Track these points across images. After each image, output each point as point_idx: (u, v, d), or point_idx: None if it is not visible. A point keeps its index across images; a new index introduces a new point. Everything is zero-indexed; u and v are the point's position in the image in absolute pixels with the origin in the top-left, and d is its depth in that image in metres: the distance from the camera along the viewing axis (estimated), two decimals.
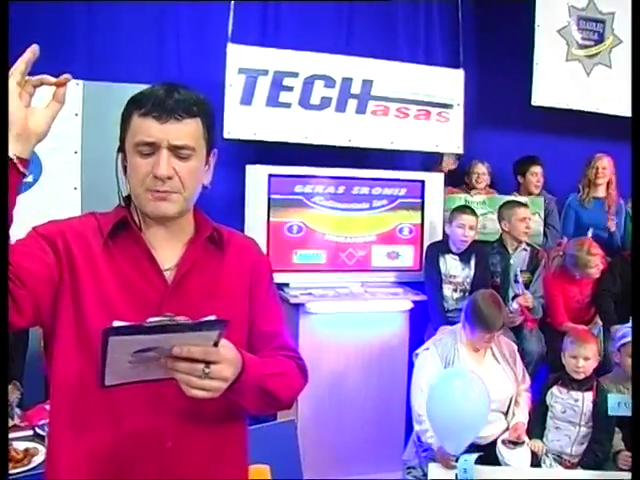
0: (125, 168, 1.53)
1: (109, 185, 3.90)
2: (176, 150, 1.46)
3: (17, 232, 3.95)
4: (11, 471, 2.41)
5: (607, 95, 4.96)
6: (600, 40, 5.06)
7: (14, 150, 1.33)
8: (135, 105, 1.47)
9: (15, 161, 1.33)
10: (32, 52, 1.34)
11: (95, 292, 1.48)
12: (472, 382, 3.13)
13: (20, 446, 2.56)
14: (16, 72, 1.33)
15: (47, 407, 2.77)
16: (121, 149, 1.53)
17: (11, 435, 2.69)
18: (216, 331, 1.27)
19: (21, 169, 1.34)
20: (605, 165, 4.83)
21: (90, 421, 1.47)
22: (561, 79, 4.93)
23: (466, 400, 3.05)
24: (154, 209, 1.48)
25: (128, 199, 1.57)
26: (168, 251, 1.55)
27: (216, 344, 1.29)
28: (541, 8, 4.84)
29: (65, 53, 4.19)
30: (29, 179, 3.81)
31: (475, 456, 2.98)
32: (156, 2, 4.44)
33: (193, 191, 1.52)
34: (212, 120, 1.54)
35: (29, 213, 3.85)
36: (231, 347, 1.35)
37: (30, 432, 2.76)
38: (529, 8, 4.80)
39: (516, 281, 4.27)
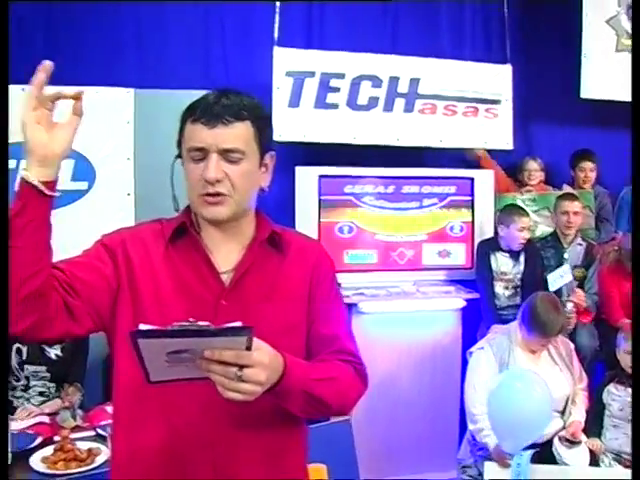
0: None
1: (162, 191, 3.97)
2: (226, 154, 1.48)
3: (74, 238, 4.06)
4: (75, 470, 2.49)
5: None
6: None
7: (38, 175, 1.34)
8: (188, 113, 1.52)
9: (41, 187, 1.34)
10: (44, 71, 1.36)
11: (153, 296, 1.52)
12: (535, 383, 3.10)
13: (83, 446, 2.62)
14: (30, 99, 1.35)
15: (107, 408, 2.86)
16: (178, 156, 1.56)
17: (74, 435, 2.78)
18: (243, 337, 1.27)
19: (49, 192, 1.35)
20: None
21: (149, 421, 1.50)
22: (611, 70, 4.83)
23: (529, 402, 3.03)
24: (206, 213, 1.51)
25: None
26: (226, 254, 1.57)
27: (249, 348, 1.28)
28: None
29: (115, 61, 4.32)
30: (83, 186, 3.92)
31: (529, 453, 2.99)
32: (201, 3, 4.49)
33: (245, 194, 1.53)
34: (264, 123, 1.55)
35: (84, 219, 3.98)
36: (268, 351, 1.35)
37: (92, 432, 2.83)
38: None
39: (561, 276, 4.17)
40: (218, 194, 1.49)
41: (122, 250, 1.53)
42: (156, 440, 1.50)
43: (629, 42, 4.87)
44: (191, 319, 1.31)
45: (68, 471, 2.50)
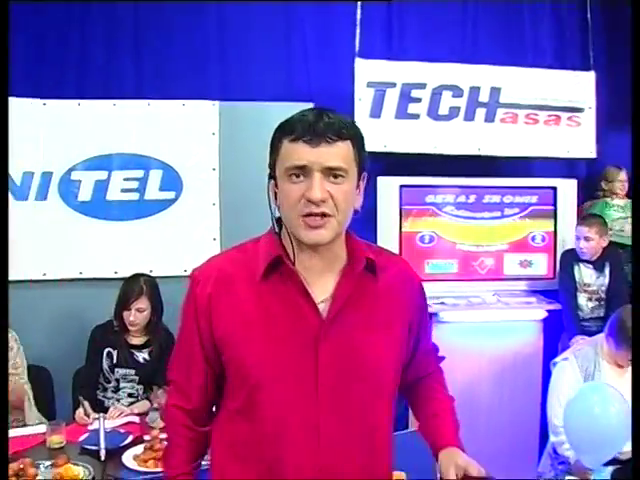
0: (275, 195, 1.52)
1: (246, 200, 4.11)
2: (329, 173, 1.44)
3: (162, 246, 4.20)
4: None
5: None
6: None
7: None
8: (284, 131, 1.47)
9: None
10: None
11: (243, 336, 1.52)
12: (612, 397, 3.01)
13: None
14: None
15: None
16: (271, 176, 1.52)
17: (162, 435, 2.86)
18: None
19: None
20: None
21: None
22: None
23: (606, 416, 2.95)
24: (308, 236, 1.47)
25: (279, 222, 1.57)
26: (322, 282, 1.54)
27: None
28: None
29: (199, 75, 4.43)
30: (171, 195, 4.07)
31: (611, 469, 2.94)
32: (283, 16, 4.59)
33: (346, 215, 1.49)
34: (362, 143, 1.51)
35: (171, 228, 4.13)
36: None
37: None
38: None
39: None
40: (323, 215, 1.44)
41: (207, 294, 1.54)
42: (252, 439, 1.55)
43: None
44: None
45: (158, 469, 2.57)
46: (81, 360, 3.65)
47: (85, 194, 3.99)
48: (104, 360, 3.46)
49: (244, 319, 1.52)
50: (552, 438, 3.33)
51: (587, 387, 3.19)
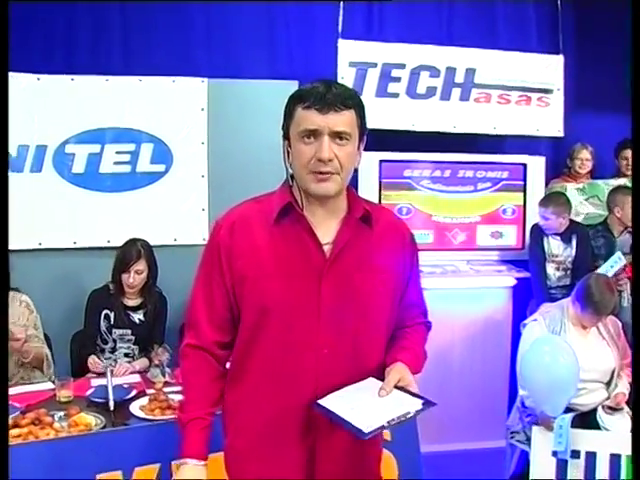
0: (288, 153, 1.76)
1: (233, 172, 4.28)
2: (335, 136, 1.66)
3: (154, 215, 4.33)
4: (171, 416, 2.78)
5: None
6: None
7: None
8: (298, 100, 1.70)
9: None
10: None
11: (258, 270, 1.75)
12: (561, 349, 3.24)
13: (176, 397, 2.92)
14: None
15: None
16: (285, 137, 1.76)
17: (165, 389, 3.11)
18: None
19: None
20: None
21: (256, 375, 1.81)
22: None
23: (555, 365, 3.16)
24: (317, 189, 1.70)
25: (291, 179, 1.80)
26: (326, 228, 1.77)
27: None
28: None
29: (188, 53, 4.59)
30: (161, 168, 4.21)
31: (570, 415, 3.14)
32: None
33: (348, 172, 1.73)
34: (363, 111, 1.74)
35: (162, 199, 4.27)
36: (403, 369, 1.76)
37: (179, 388, 3.06)
38: None
39: (611, 266, 4.28)
40: (329, 172, 1.68)
41: (229, 236, 1.78)
42: (261, 394, 1.80)
43: None
44: None
45: (165, 417, 2.81)
46: (76, 325, 3.84)
47: (79, 166, 4.09)
48: (102, 322, 3.64)
49: (259, 256, 1.75)
50: (520, 392, 3.55)
51: (538, 339, 3.39)
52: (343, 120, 1.68)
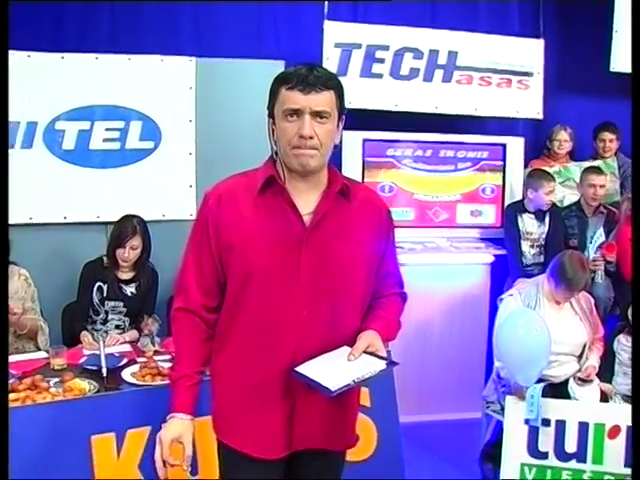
0: (273, 131, 1.88)
1: (220, 150, 4.36)
2: (316, 115, 1.79)
3: (142, 191, 4.39)
4: (161, 382, 2.91)
5: None
6: None
7: None
8: (282, 81, 1.82)
9: None
10: None
11: (242, 238, 1.88)
12: (534, 321, 3.36)
13: (165, 365, 3.05)
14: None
15: None
16: (270, 115, 1.88)
17: (155, 357, 3.23)
18: None
19: None
20: None
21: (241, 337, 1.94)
22: None
23: (529, 336, 3.29)
24: (298, 163, 1.83)
25: (275, 155, 1.92)
26: (306, 200, 1.89)
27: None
28: None
29: (176, 33, 4.67)
30: (150, 145, 4.27)
31: (541, 385, 3.27)
32: None
33: (328, 149, 1.86)
34: (342, 92, 1.88)
35: (151, 175, 4.33)
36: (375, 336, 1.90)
37: (168, 356, 3.22)
38: None
39: (591, 242, 4.41)
40: (311, 147, 1.80)
41: (217, 207, 1.90)
42: (248, 356, 1.93)
43: None
44: None
45: (155, 383, 2.94)
46: (67, 298, 3.94)
47: (69, 143, 4.13)
48: (94, 293, 3.74)
49: (244, 226, 1.88)
50: (496, 363, 3.68)
51: (513, 313, 3.52)
52: (323, 100, 1.81)
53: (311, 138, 1.80)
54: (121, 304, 3.76)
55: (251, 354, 1.92)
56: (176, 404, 1.93)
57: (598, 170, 4.66)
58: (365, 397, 3.07)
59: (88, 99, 4.17)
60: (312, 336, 1.90)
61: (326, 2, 4.62)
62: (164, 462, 1.88)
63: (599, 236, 4.39)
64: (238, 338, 1.94)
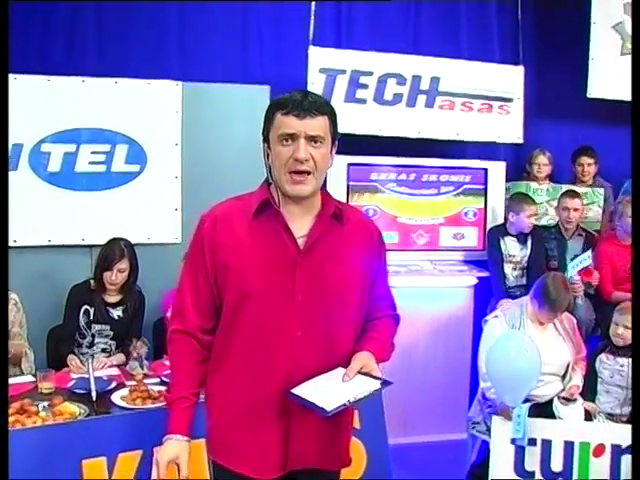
0: (268, 155, 1.91)
1: (205, 174, 4.36)
2: (311, 140, 1.83)
3: (128, 215, 4.36)
4: (152, 405, 2.91)
5: None
6: None
7: None
8: (277, 107, 1.87)
9: None
10: None
11: (238, 260, 1.91)
12: (525, 343, 3.39)
13: (155, 388, 3.06)
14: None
15: (166, 362, 3.26)
16: (265, 140, 1.92)
17: (145, 381, 3.22)
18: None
19: None
20: None
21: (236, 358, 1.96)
22: (616, 72, 5.08)
23: (520, 358, 3.31)
24: (292, 190, 1.86)
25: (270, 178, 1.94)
26: (300, 223, 1.92)
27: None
28: (597, 6, 5.05)
29: (162, 56, 4.72)
30: (135, 168, 4.27)
31: (528, 405, 3.31)
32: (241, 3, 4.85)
33: (322, 172, 1.89)
34: (335, 118, 1.92)
35: (136, 198, 4.31)
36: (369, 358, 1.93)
37: (157, 380, 3.24)
38: (585, 6, 5.03)
39: (573, 267, 4.39)
40: (305, 172, 1.83)
41: (212, 230, 1.93)
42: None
43: None
44: None
45: (145, 406, 2.92)
46: (52, 320, 3.91)
47: (54, 165, 4.11)
48: (81, 316, 3.72)
49: (239, 248, 1.92)
50: (482, 384, 3.70)
51: (504, 335, 3.56)
52: (318, 125, 1.86)
53: (306, 161, 1.83)
54: (107, 327, 3.75)
55: (246, 375, 1.94)
56: (172, 425, 1.94)
57: (572, 194, 4.71)
58: (355, 419, 3.04)
59: (74, 122, 4.17)
60: (307, 356, 1.93)
61: (311, 28, 4.69)
62: None
63: (585, 258, 4.37)
64: (233, 359, 1.96)
